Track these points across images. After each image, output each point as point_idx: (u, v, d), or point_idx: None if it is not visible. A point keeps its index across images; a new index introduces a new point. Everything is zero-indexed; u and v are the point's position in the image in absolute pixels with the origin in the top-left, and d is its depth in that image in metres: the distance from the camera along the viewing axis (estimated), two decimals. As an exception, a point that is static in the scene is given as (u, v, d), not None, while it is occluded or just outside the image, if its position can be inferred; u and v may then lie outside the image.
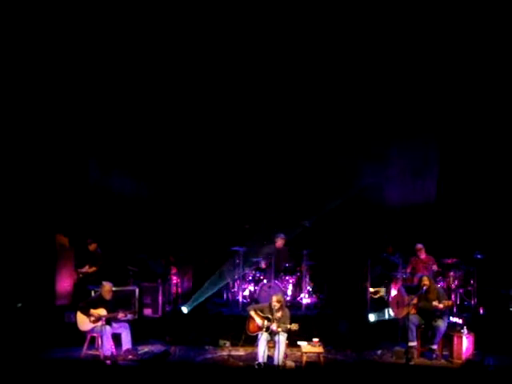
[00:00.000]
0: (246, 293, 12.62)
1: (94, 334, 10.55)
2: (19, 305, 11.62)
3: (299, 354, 10.35)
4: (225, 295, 12.90)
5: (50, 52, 12.55)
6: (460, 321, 11.24)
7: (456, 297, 12.21)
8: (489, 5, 12.18)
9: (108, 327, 10.46)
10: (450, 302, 10.87)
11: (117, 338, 10.62)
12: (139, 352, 10.75)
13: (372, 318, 11.81)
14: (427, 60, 13.11)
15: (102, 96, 13.32)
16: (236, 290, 12.67)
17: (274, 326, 9.94)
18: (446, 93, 13.38)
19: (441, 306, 10.46)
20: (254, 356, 10.20)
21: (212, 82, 13.37)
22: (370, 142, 13.77)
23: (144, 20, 12.69)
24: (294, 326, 9.91)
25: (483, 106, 13.19)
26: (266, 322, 10.10)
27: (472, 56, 12.84)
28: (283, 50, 12.99)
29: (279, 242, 12.83)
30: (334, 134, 13.79)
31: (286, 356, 10.28)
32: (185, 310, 12.11)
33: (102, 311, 10.52)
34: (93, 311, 10.50)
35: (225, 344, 11.19)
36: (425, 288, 10.60)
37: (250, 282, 12.61)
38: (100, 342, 10.48)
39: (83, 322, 10.55)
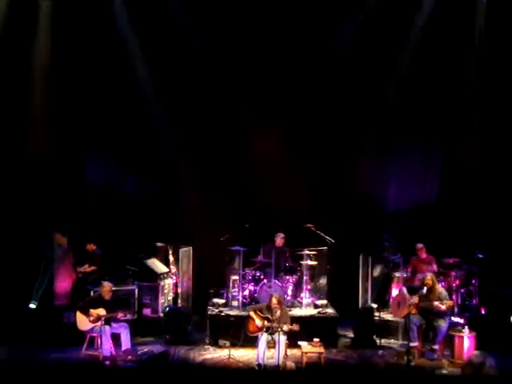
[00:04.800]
0: (246, 292, 12.56)
1: (94, 334, 10.51)
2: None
3: (299, 354, 10.29)
4: (225, 295, 12.83)
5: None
6: (461, 321, 11.22)
7: (457, 297, 12.15)
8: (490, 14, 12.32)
9: (107, 327, 10.41)
10: (452, 303, 10.83)
11: (116, 338, 10.57)
12: (138, 352, 10.67)
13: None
14: (429, 62, 13.10)
15: (101, 94, 13.26)
16: (236, 289, 12.60)
17: (275, 325, 9.87)
18: (447, 93, 13.34)
19: (443, 307, 10.41)
20: (254, 357, 10.16)
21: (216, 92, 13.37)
22: (372, 143, 13.73)
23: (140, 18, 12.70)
24: (295, 327, 9.86)
25: (485, 106, 13.16)
26: (265, 322, 10.04)
27: (475, 58, 12.85)
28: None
29: (279, 241, 12.76)
30: (334, 134, 13.76)
31: (286, 356, 10.22)
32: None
33: (102, 311, 10.47)
34: (92, 311, 10.46)
35: (225, 344, 11.14)
36: (426, 287, 10.54)
37: (250, 281, 12.55)
38: (99, 343, 10.44)
39: (82, 322, 10.51)
